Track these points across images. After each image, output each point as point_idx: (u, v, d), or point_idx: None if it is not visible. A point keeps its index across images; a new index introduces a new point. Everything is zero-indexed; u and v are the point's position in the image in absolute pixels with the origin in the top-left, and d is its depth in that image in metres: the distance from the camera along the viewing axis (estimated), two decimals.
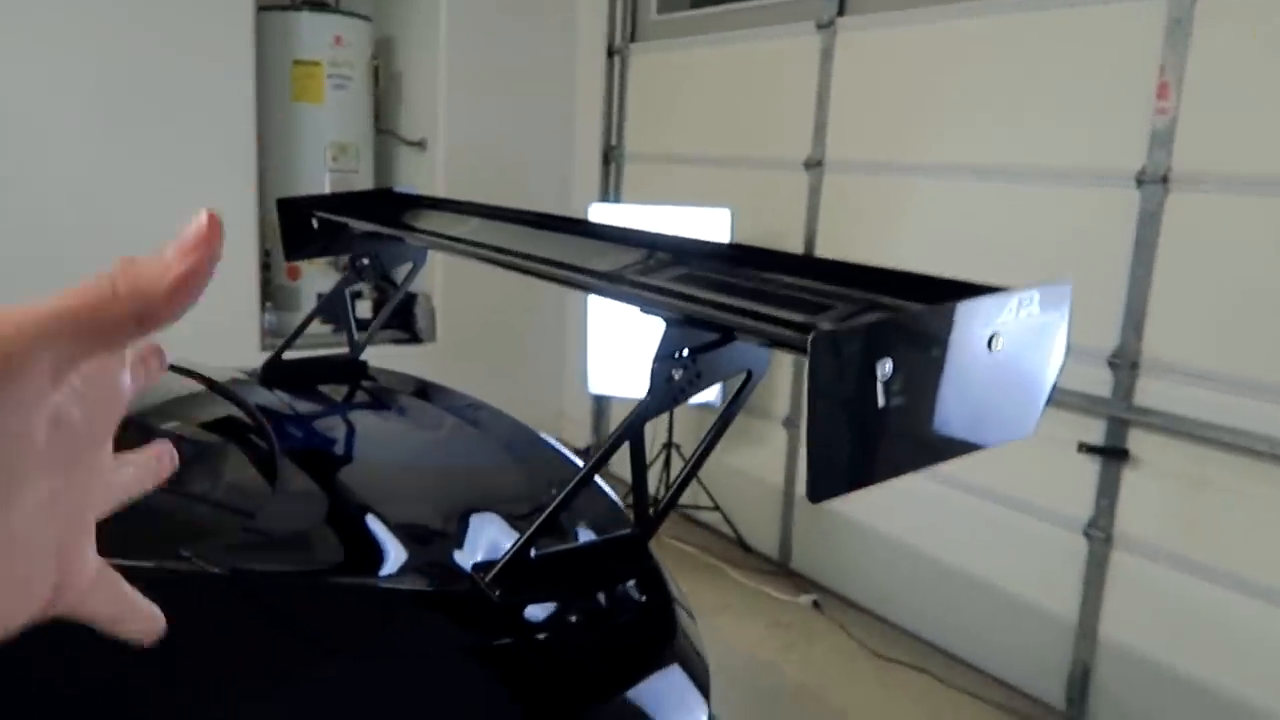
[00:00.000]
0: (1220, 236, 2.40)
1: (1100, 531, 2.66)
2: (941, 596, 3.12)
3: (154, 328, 0.31)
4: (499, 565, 0.82)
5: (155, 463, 0.41)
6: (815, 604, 3.41)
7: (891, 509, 3.21)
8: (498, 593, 0.80)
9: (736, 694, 2.87)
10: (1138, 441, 2.59)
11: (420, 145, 4.50)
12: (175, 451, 0.42)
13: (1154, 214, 2.50)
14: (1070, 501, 2.73)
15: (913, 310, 0.71)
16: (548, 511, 0.84)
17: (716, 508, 3.82)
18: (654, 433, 3.66)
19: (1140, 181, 2.52)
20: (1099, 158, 2.63)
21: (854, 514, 3.36)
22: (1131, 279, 2.56)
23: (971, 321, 0.71)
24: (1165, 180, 2.47)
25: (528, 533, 0.83)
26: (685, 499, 3.84)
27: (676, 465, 3.68)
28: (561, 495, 0.85)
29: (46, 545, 0.33)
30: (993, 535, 2.96)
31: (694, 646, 0.91)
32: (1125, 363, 2.57)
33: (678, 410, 4.11)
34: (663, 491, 3.60)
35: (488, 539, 0.98)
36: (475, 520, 1.04)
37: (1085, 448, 2.65)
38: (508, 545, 0.83)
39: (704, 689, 0.86)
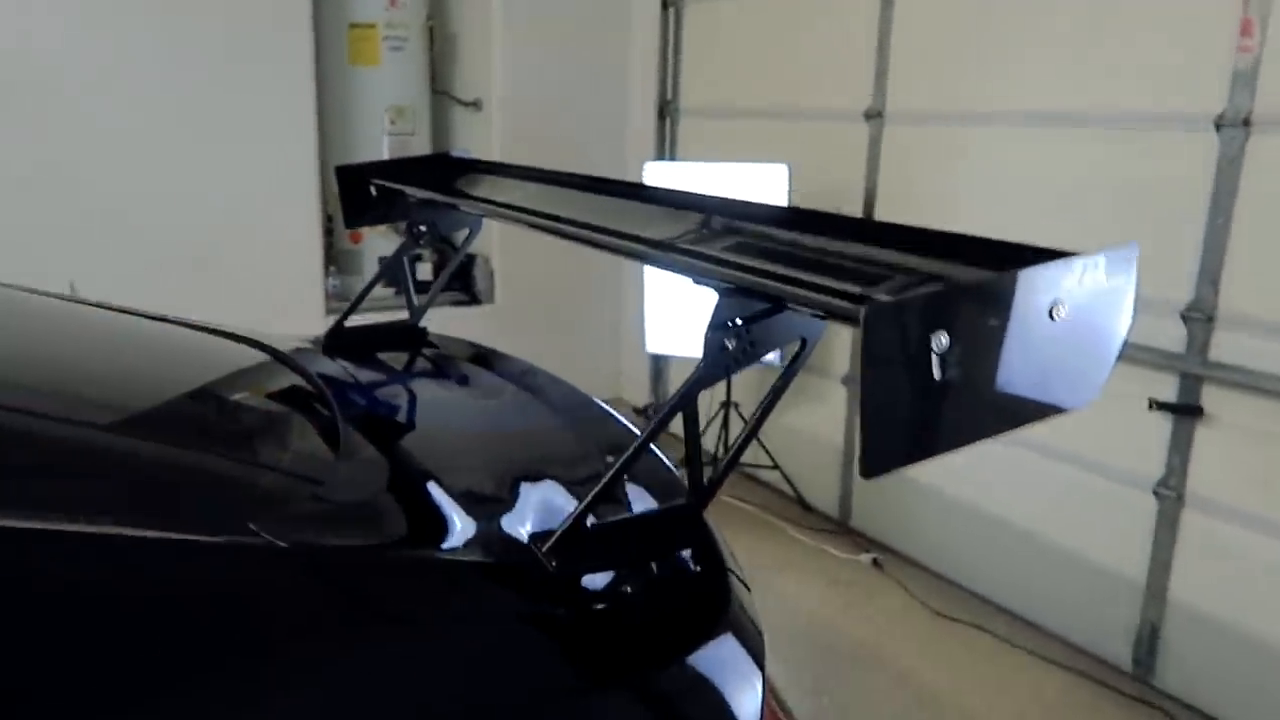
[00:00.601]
0: None
1: (1171, 490, 2.59)
2: (1005, 555, 3.08)
3: None
4: (556, 535, 0.83)
5: None
6: (875, 562, 3.40)
7: (954, 468, 3.17)
8: (554, 563, 0.82)
9: (796, 651, 2.89)
10: (1212, 398, 2.50)
11: (475, 105, 4.50)
12: None
13: (1234, 159, 2.39)
14: (1140, 460, 2.66)
15: (970, 280, 0.69)
16: (604, 482, 0.85)
17: (776, 466, 3.81)
18: (713, 391, 3.65)
19: (1219, 125, 2.40)
20: (1176, 101, 2.51)
21: (915, 473, 3.33)
22: (1209, 228, 2.45)
23: (1032, 290, 0.69)
24: (1247, 123, 2.36)
25: (584, 503, 0.84)
26: (745, 458, 3.84)
27: (735, 423, 3.67)
28: (617, 466, 0.86)
29: None
30: (1059, 494, 2.91)
31: (748, 616, 0.91)
32: (1200, 316, 2.48)
33: None
34: (721, 450, 3.60)
35: (546, 508, 0.99)
36: (533, 489, 1.06)
37: (1157, 404, 2.58)
38: (565, 515, 0.84)
39: (758, 658, 0.87)
